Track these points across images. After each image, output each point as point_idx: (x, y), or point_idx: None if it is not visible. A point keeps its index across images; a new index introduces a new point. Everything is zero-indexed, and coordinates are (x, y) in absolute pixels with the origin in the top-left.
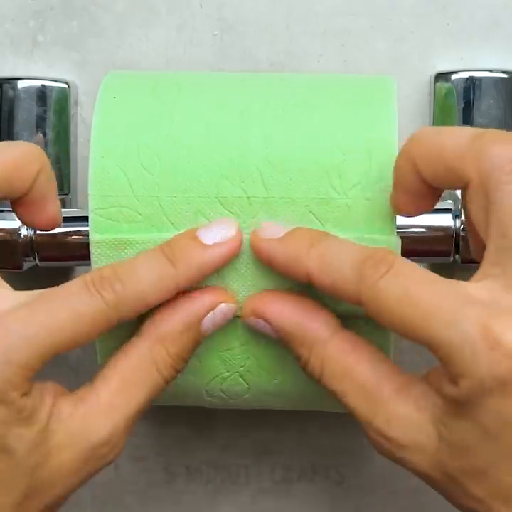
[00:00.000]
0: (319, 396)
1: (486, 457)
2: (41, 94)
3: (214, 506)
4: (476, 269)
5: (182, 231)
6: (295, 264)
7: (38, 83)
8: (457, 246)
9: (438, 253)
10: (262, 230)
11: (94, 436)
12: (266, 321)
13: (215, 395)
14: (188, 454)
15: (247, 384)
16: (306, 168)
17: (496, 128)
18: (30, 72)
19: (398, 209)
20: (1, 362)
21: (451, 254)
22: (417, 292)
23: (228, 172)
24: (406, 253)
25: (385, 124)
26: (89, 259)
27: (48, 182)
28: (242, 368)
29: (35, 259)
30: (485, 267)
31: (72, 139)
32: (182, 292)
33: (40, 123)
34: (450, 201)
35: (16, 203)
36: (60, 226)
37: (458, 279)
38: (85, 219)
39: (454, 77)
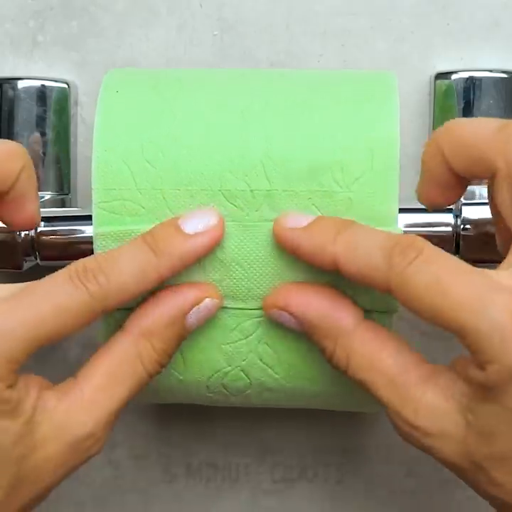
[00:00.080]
0: (321, 392)
1: None
2: (41, 94)
3: (214, 505)
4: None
5: None
6: (321, 252)
7: (38, 83)
8: (457, 246)
9: None
10: (286, 219)
11: (79, 430)
12: (290, 313)
13: (217, 391)
14: (188, 453)
15: (249, 379)
16: (309, 161)
17: None
18: (30, 72)
19: (427, 201)
20: None
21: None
22: (446, 279)
23: (231, 165)
24: None
25: (386, 120)
26: None
27: (29, 180)
28: (243, 362)
29: (36, 259)
30: None
31: (72, 139)
32: (167, 287)
33: (40, 123)
34: None
35: None
36: (38, 226)
37: None
38: (85, 218)
39: (454, 77)
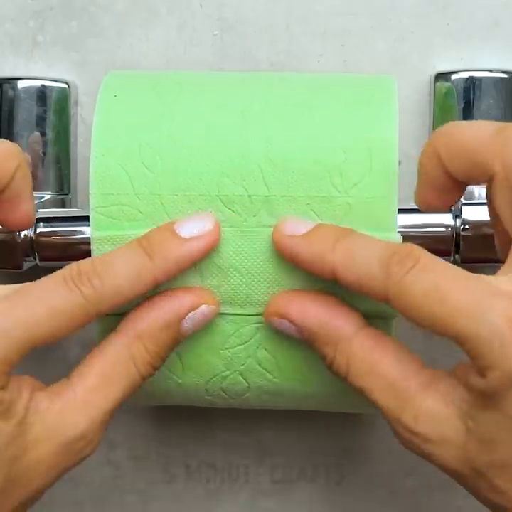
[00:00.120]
0: (319, 395)
1: None
2: (41, 94)
3: (214, 506)
4: (478, 269)
5: None
6: (320, 261)
7: (38, 83)
8: (457, 246)
9: (438, 253)
10: (284, 225)
11: (71, 431)
12: (290, 321)
13: (216, 394)
14: (187, 453)
15: (247, 383)
16: (307, 167)
17: None
18: (30, 72)
19: (423, 204)
20: None
21: (451, 254)
22: (444, 286)
23: (229, 170)
24: None
25: (385, 123)
26: None
27: (24, 179)
28: (242, 367)
29: (36, 259)
30: (511, 259)
31: (72, 139)
32: (163, 291)
33: (40, 123)
34: None
35: None
36: (31, 226)
37: None
38: (85, 219)
39: (454, 77)
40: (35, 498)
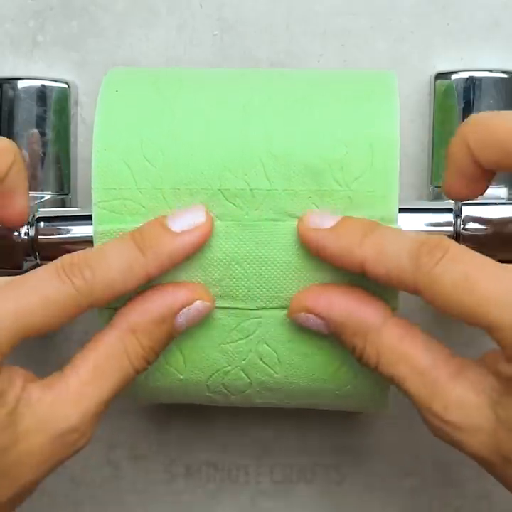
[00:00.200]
0: (321, 391)
1: None
2: (41, 94)
3: (214, 506)
4: None
5: None
6: (348, 254)
7: (38, 83)
8: None
9: None
10: (310, 218)
11: (63, 423)
12: (316, 315)
13: (217, 391)
14: (188, 454)
15: (249, 378)
16: (309, 161)
17: None
18: (30, 72)
19: (451, 193)
20: None
21: None
22: (473, 276)
23: (231, 164)
24: None
25: (386, 118)
26: None
27: (19, 175)
28: (243, 362)
29: (36, 259)
30: None
31: (72, 139)
32: (158, 285)
33: (40, 123)
34: (450, 201)
35: None
36: (26, 222)
37: None
38: (85, 218)
39: (454, 77)
40: (26, 491)
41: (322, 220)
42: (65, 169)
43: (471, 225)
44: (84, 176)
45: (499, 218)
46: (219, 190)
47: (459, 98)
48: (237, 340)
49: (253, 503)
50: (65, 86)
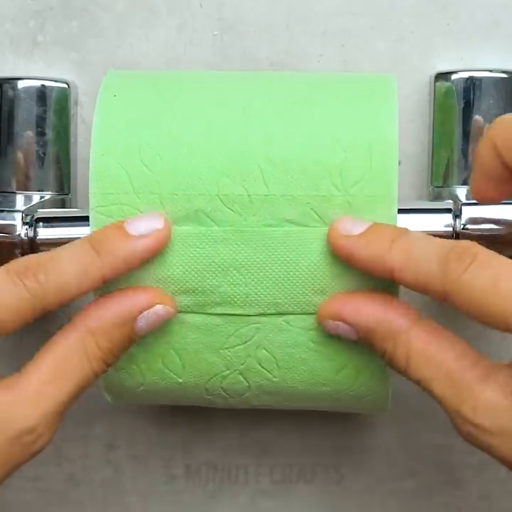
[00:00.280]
0: (319, 394)
1: None
2: (41, 94)
3: (213, 506)
4: None
5: (184, 228)
6: (378, 261)
7: (38, 83)
8: None
9: None
10: (340, 225)
11: (20, 424)
12: (345, 322)
13: (216, 394)
14: (187, 454)
15: (248, 382)
16: (307, 166)
17: None
18: (30, 72)
19: (478, 195)
20: None
21: None
22: (502, 282)
23: (229, 170)
24: None
25: (385, 121)
26: None
27: None
28: (242, 366)
29: None
30: None
31: (72, 139)
32: (120, 289)
33: (40, 123)
34: (450, 201)
35: None
36: None
37: None
38: (85, 219)
39: (454, 77)
40: None
41: (353, 227)
42: (65, 169)
43: (470, 226)
44: (84, 176)
45: (499, 219)
46: (217, 195)
47: (459, 98)
48: (235, 346)
49: (253, 503)
50: (65, 86)
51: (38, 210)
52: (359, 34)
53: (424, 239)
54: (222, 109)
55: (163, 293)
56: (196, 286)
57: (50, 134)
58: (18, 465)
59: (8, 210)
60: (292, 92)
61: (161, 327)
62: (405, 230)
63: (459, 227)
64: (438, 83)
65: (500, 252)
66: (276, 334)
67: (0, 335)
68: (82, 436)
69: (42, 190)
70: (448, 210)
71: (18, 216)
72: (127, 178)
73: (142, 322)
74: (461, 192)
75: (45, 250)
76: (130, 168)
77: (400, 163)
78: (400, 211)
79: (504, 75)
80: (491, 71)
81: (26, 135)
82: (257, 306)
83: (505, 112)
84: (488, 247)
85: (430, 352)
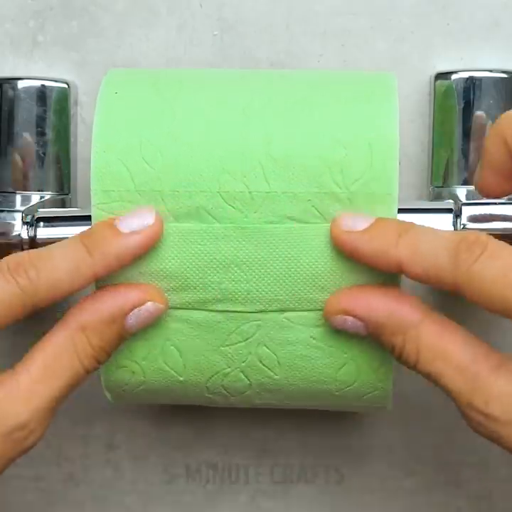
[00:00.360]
0: (320, 393)
1: None
2: (41, 94)
3: (213, 506)
4: None
5: (185, 225)
6: (384, 255)
7: (38, 83)
8: None
9: None
10: (343, 221)
11: (12, 420)
12: (355, 317)
13: (217, 392)
14: (187, 454)
15: (249, 380)
16: (308, 163)
17: None
18: (30, 72)
19: (485, 190)
20: None
21: None
22: None
23: (230, 166)
24: None
25: (385, 119)
26: None
27: None
28: (243, 364)
29: None
30: None
31: (72, 139)
32: (110, 285)
33: (40, 123)
34: (450, 201)
35: None
36: None
37: None
38: (85, 218)
39: (454, 77)
40: None
41: (355, 222)
42: (65, 169)
43: (470, 225)
44: (84, 176)
45: (499, 218)
46: (218, 192)
47: (459, 98)
48: (236, 343)
49: (253, 503)
50: (65, 86)
51: (38, 210)
52: (359, 34)
53: (431, 231)
54: (222, 108)
55: (154, 289)
56: (197, 283)
57: (50, 134)
58: (10, 461)
59: (8, 210)
60: (292, 91)
61: (162, 324)
62: (411, 224)
63: (459, 226)
64: (438, 83)
65: None
66: (278, 331)
67: None
68: (82, 436)
69: (42, 190)
70: (448, 210)
71: (18, 216)
72: (128, 174)
73: (132, 319)
74: (461, 192)
75: None
76: (131, 165)
77: (399, 163)
78: (400, 211)
79: (504, 75)
80: (491, 71)
81: (26, 135)
82: (258, 303)
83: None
84: None
85: (440, 345)
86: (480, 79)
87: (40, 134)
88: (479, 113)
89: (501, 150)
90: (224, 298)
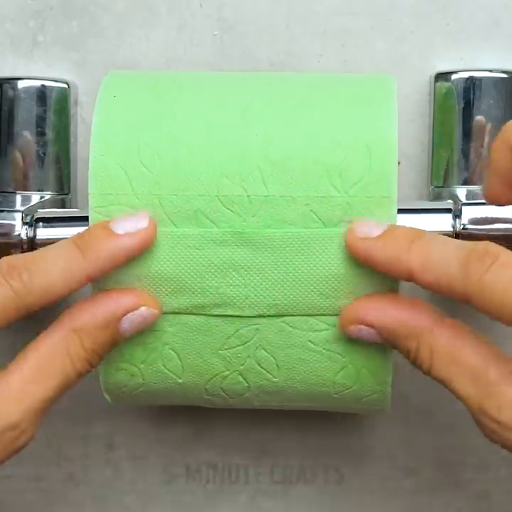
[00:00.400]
0: (319, 394)
1: None
2: (41, 94)
3: (213, 507)
4: None
5: (183, 230)
6: (396, 263)
7: (38, 83)
8: None
9: None
10: (357, 228)
11: (3, 420)
12: (368, 325)
13: (216, 394)
14: (187, 454)
15: (247, 383)
16: (307, 167)
17: (496, 128)
18: (30, 72)
19: (492, 198)
20: None
21: None
22: None
23: (229, 170)
24: None
25: (384, 122)
26: None
27: None
28: (241, 367)
29: None
30: None
31: (72, 139)
32: (105, 290)
33: (40, 123)
34: (450, 201)
35: None
36: None
37: None
38: (85, 219)
39: (454, 77)
40: None
41: (370, 229)
42: (65, 169)
43: (470, 226)
44: (84, 176)
45: (499, 218)
46: (216, 196)
47: (459, 98)
48: (234, 347)
49: (253, 503)
50: (65, 86)
51: (38, 210)
52: (359, 34)
53: (443, 240)
54: (222, 111)
55: (148, 294)
56: (195, 287)
57: (50, 134)
58: (1, 461)
59: (8, 210)
60: (292, 93)
61: (160, 328)
62: (423, 232)
63: (459, 227)
64: (438, 83)
65: None
66: (276, 335)
67: None
68: (81, 436)
69: (42, 190)
70: (448, 210)
71: (18, 216)
72: (126, 178)
73: (126, 324)
74: (461, 192)
75: None
76: (129, 169)
77: (399, 163)
78: (400, 211)
79: (504, 75)
80: (491, 71)
81: (26, 135)
82: (256, 308)
83: (505, 112)
84: None
85: (454, 351)
86: (480, 79)
87: (40, 134)
88: (479, 117)
89: (507, 158)
90: (222, 302)
